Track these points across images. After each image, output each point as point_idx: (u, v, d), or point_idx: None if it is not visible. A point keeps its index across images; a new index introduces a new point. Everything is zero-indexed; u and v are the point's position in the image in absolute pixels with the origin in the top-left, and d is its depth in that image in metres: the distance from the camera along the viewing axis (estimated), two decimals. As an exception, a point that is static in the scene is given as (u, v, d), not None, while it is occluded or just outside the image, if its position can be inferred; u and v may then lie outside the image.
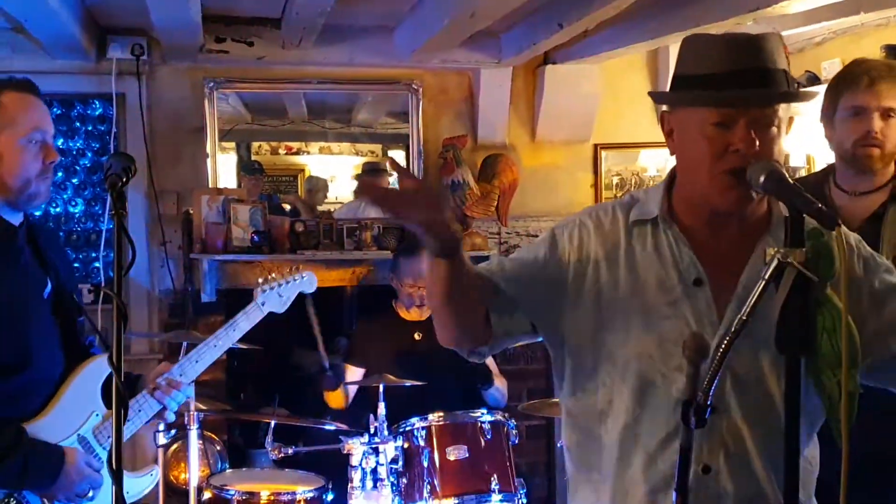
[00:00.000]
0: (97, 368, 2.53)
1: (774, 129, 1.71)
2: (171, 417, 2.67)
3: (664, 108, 1.89)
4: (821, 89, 2.71)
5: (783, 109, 1.73)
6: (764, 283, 1.49)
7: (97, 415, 2.53)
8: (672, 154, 1.85)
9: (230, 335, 2.84)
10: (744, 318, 1.50)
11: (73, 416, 2.48)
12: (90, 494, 2.42)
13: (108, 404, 2.51)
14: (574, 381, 1.91)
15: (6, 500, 2.32)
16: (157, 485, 3.70)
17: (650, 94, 1.97)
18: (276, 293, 2.98)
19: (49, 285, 2.47)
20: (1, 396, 2.32)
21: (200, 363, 2.72)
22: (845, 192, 2.75)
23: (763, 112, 1.70)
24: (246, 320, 2.87)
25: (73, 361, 2.52)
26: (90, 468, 2.42)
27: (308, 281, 3.10)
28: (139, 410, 2.57)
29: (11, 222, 2.40)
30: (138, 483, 2.71)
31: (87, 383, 2.50)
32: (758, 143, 1.68)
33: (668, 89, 1.87)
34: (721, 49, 1.72)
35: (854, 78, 2.69)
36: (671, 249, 1.82)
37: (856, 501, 1.52)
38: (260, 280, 3.02)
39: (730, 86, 1.69)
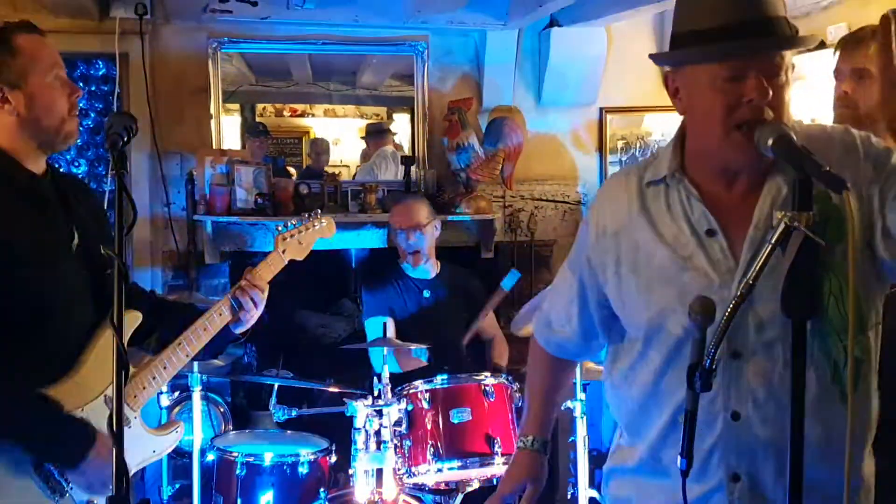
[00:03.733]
0: (125, 324, 2.42)
1: (783, 77, 1.69)
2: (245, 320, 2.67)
3: (667, 67, 1.88)
4: (826, 53, 2.71)
5: (788, 57, 1.71)
6: (770, 246, 1.48)
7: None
8: (681, 113, 1.83)
9: None
10: (750, 281, 1.48)
11: (100, 375, 2.41)
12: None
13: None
14: (614, 350, 1.99)
15: (36, 470, 2.27)
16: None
17: (651, 56, 1.92)
18: (297, 240, 2.95)
19: (76, 238, 2.42)
20: (28, 351, 2.27)
21: (222, 317, 2.68)
22: None
23: (771, 60, 1.68)
24: (267, 269, 2.81)
25: (104, 316, 2.45)
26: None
27: (327, 226, 3.08)
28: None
29: (34, 171, 2.37)
30: (164, 440, 2.66)
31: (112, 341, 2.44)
32: (770, 91, 1.66)
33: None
34: (719, 2, 1.69)
35: (838, 43, 2.75)
36: (682, 205, 1.81)
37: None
38: (279, 228, 2.98)
39: (734, 38, 1.67)
